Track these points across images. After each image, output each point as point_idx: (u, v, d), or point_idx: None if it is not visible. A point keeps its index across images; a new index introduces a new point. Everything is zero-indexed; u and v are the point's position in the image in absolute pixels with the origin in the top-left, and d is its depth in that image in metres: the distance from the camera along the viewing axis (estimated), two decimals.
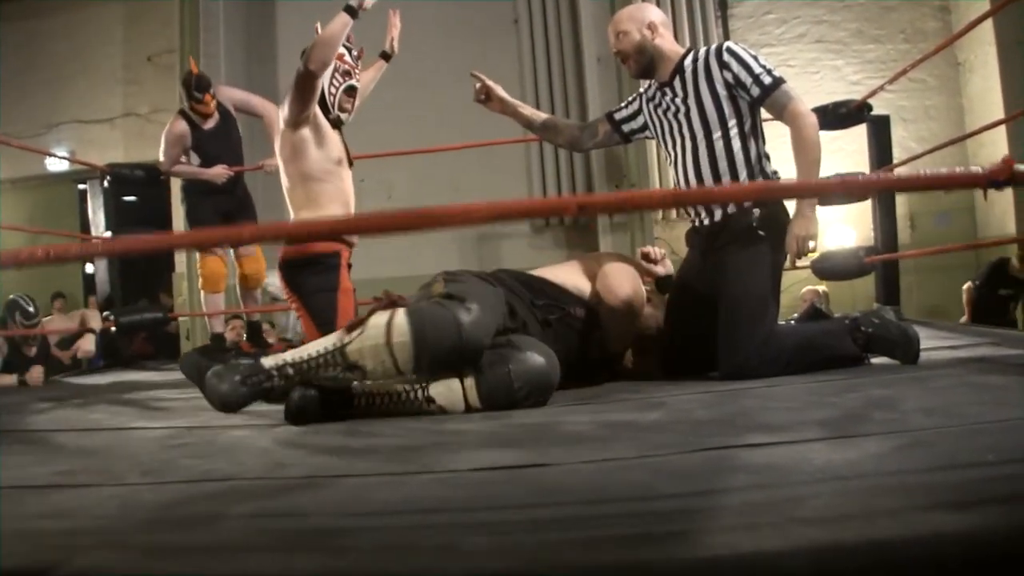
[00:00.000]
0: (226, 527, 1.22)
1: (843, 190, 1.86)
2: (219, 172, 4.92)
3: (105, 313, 5.61)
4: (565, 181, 8.16)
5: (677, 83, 2.90)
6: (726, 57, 2.80)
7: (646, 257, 3.20)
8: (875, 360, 2.93)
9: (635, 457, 1.56)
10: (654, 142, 8.21)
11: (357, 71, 3.35)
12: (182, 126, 4.94)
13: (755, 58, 2.82)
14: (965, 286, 6.96)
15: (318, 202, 3.25)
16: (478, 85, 3.20)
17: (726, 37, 8.26)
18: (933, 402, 1.98)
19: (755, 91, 2.78)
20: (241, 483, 1.55)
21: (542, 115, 3.34)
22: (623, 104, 3.19)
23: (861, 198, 5.55)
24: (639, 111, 3.11)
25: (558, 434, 1.92)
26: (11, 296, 5.23)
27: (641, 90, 3.14)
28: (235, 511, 1.32)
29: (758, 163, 2.86)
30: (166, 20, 8.51)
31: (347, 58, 3.29)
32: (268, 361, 2.30)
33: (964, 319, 6.73)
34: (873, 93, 5.13)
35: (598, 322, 2.84)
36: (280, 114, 3.30)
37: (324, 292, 3.19)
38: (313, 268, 3.19)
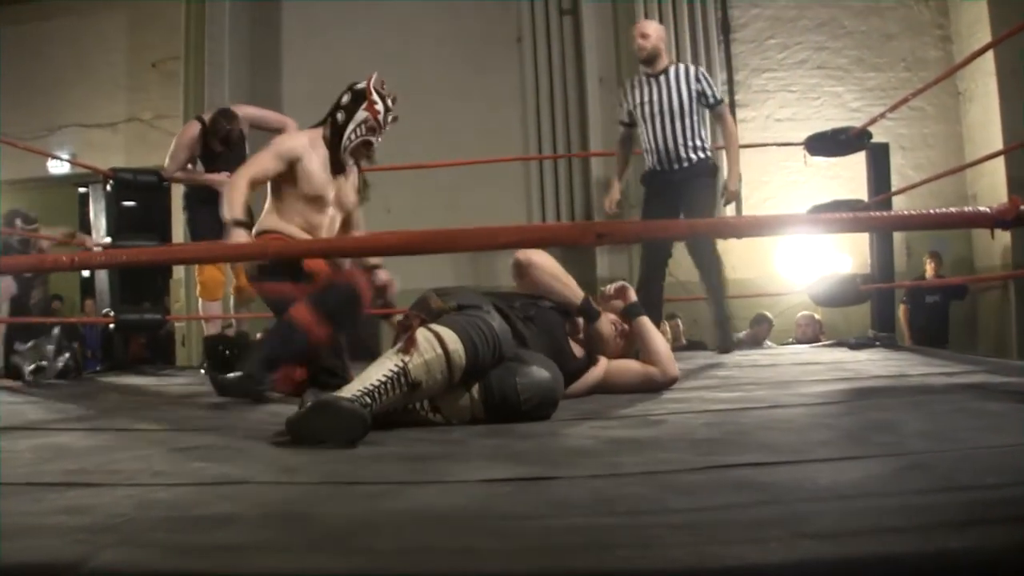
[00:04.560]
0: (244, 527, 1.24)
1: (852, 228, 1.91)
2: (224, 178, 4.92)
3: (105, 310, 5.61)
4: (564, 200, 8.21)
5: (663, 79, 4.75)
6: (699, 77, 4.77)
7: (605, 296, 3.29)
8: (873, 384, 2.98)
9: (641, 473, 1.59)
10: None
11: (383, 131, 3.40)
12: (196, 132, 4.93)
13: (713, 83, 4.88)
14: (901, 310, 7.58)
15: (280, 210, 3.30)
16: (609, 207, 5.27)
17: (728, 61, 8.33)
18: (931, 426, 2.01)
19: (711, 101, 4.76)
20: (253, 486, 1.58)
21: (624, 154, 5.20)
22: (621, 106, 5.03)
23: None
24: (625, 96, 4.97)
25: (562, 448, 1.95)
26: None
27: (627, 86, 5.01)
28: (251, 513, 1.34)
29: (702, 132, 4.81)
30: (171, 27, 8.55)
31: (380, 116, 3.33)
32: (344, 394, 2.20)
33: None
34: (873, 121, 5.19)
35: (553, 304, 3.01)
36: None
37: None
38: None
